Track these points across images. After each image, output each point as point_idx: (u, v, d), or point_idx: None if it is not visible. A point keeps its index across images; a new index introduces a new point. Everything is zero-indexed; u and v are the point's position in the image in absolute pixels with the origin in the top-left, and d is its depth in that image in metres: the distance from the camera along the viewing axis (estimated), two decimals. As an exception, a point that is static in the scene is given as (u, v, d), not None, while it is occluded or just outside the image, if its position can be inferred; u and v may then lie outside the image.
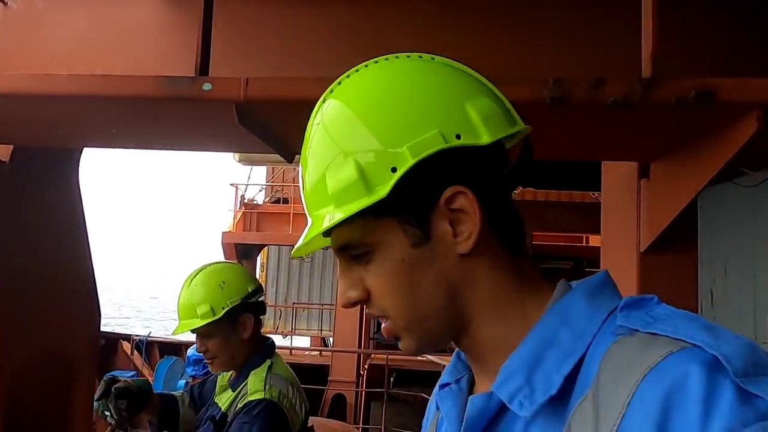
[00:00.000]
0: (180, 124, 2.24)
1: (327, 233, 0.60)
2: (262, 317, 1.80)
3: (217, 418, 1.67)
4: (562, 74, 1.67)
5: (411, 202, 0.57)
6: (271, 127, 2.10)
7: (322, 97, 0.63)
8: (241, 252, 9.85)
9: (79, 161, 3.35)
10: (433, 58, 0.63)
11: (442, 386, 0.68)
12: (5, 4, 2.67)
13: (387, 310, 0.60)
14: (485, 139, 0.56)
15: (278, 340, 6.80)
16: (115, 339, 6.72)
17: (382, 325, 0.62)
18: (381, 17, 2.33)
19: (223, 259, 1.84)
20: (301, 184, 0.63)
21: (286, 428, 1.59)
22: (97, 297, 3.72)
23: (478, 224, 0.56)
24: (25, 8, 2.73)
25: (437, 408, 0.69)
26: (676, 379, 0.44)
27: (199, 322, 1.63)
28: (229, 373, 1.77)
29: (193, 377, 6.02)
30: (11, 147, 2.82)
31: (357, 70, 0.62)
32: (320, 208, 0.59)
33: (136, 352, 6.79)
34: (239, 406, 1.59)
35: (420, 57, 0.62)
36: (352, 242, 0.59)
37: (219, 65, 1.84)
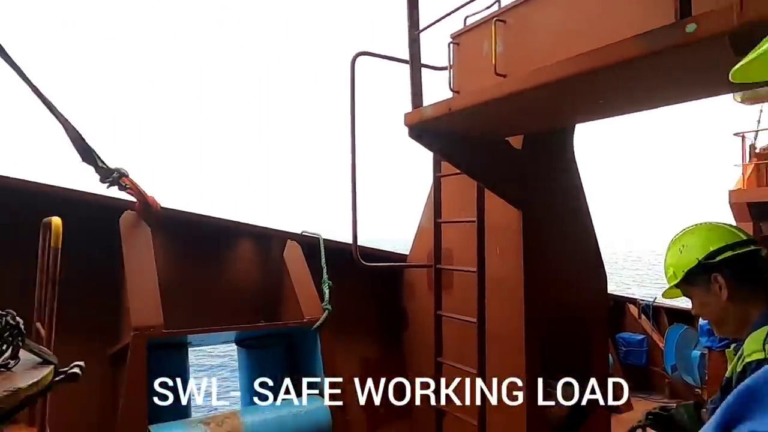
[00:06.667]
0: (668, 76, 2.17)
1: None
2: None
3: (722, 384, 1.57)
4: None
5: None
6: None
7: None
8: (756, 213, 8.27)
9: (573, 137, 3.77)
10: None
11: None
12: (504, 22, 3.32)
13: None
14: None
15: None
16: (622, 302, 7.04)
17: None
18: None
19: (715, 221, 1.74)
20: None
21: None
22: (602, 259, 4.05)
23: None
24: (517, 21, 3.30)
25: None
26: None
27: (668, 288, 1.73)
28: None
29: (709, 348, 5.59)
30: (521, 137, 3.49)
31: None
32: None
33: (643, 316, 6.91)
34: (738, 369, 1.48)
35: None
36: None
37: (701, 4, 1.69)
